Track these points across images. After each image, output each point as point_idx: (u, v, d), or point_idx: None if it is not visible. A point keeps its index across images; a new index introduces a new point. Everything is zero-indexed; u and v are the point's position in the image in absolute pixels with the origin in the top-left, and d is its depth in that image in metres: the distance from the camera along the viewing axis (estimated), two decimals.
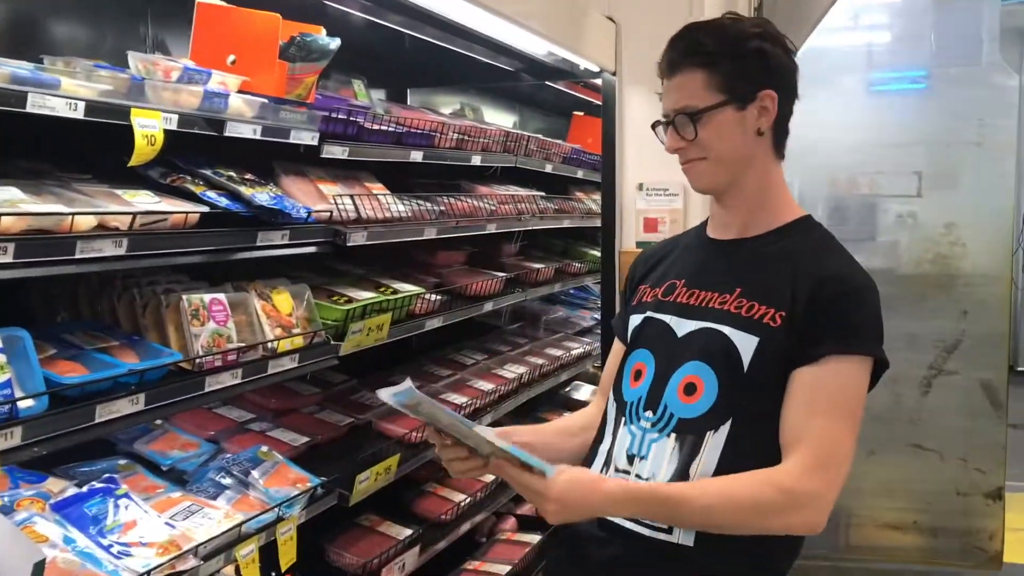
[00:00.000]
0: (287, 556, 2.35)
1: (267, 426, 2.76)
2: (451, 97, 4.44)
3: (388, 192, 2.99)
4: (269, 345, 2.31)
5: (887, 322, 1.65)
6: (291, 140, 2.40)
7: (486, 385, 3.54)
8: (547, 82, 4.24)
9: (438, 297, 3.14)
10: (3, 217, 1.66)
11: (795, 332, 1.59)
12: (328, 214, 2.58)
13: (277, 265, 2.74)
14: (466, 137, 3.33)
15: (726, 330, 1.63)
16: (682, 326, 1.69)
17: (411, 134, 2.99)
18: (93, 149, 2.17)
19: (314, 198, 2.62)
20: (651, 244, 3.53)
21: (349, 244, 2.59)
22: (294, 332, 2.42)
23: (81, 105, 1.81)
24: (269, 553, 2.31)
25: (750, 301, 1.63)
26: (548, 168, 4.13)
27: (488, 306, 3.52)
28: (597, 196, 4.88)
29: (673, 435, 1.63)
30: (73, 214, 1.78)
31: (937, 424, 4.68)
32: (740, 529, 1.57)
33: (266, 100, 2.30)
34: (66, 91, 1.81)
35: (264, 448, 2.51)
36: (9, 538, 1.74)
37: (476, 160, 3.42)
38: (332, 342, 2.55)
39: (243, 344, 2.23)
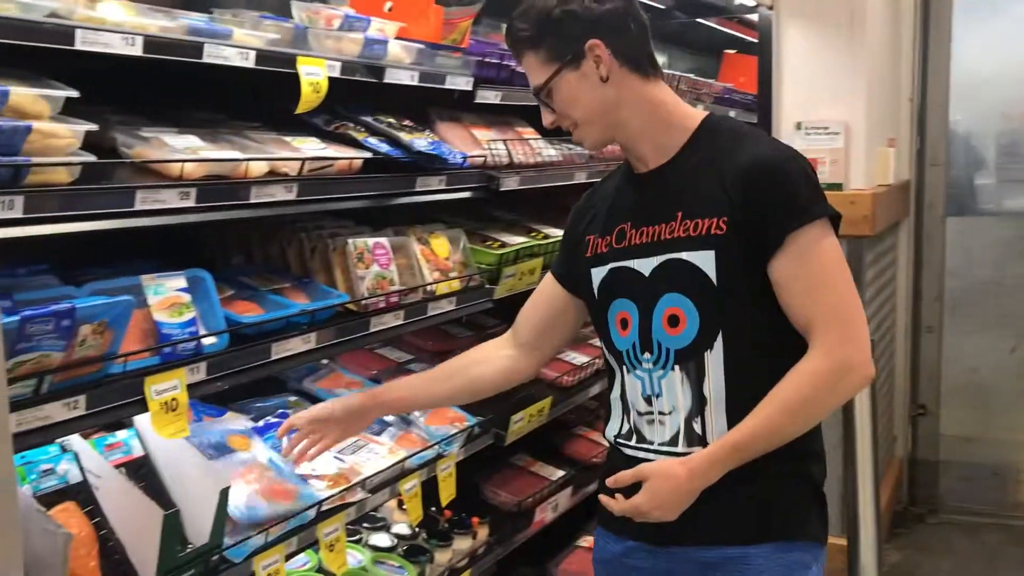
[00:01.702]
0: (447, 491, 2.42)
1: (425, 367, 2.82)
2: None
3: (539, 136, 2.98)
4: (428, 288, 2.36)
5: None
6: (446, 86, 2.42)
7: None
8: (698, 19, 4.11)
9: None
10: (186, 164, 1.75)
11: (744, 230, 1.63)
12: (482, 159, 2.60)
13: (431, 210, 2.79)
14: None
15: (684, 255, 1.67)
16: (645, 265, 1.72)
17: None
18: (260, 99, 2.25)
19: (468, 143, 2.64)
20: None
21: (502, 189, 2.60)
22: (451, 276, 2.47)
23: (252, 54, 1.88)
24: (428, 489, 2.39)
25: (693, 219, 1.67)
26: (699, 108, 4.01)
27: None
28: None
29: (676, 367, 1.69)
30: (248, 160, 1.86)
31: None
32: (816, 421, 1.67)
33: (423, 46, 2.33)
34: (238, 41, 1.88)
35: None
36: (197, 467, 1.87)
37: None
38: (487, 286, 2.59)
39: (404, 287, 2.29)
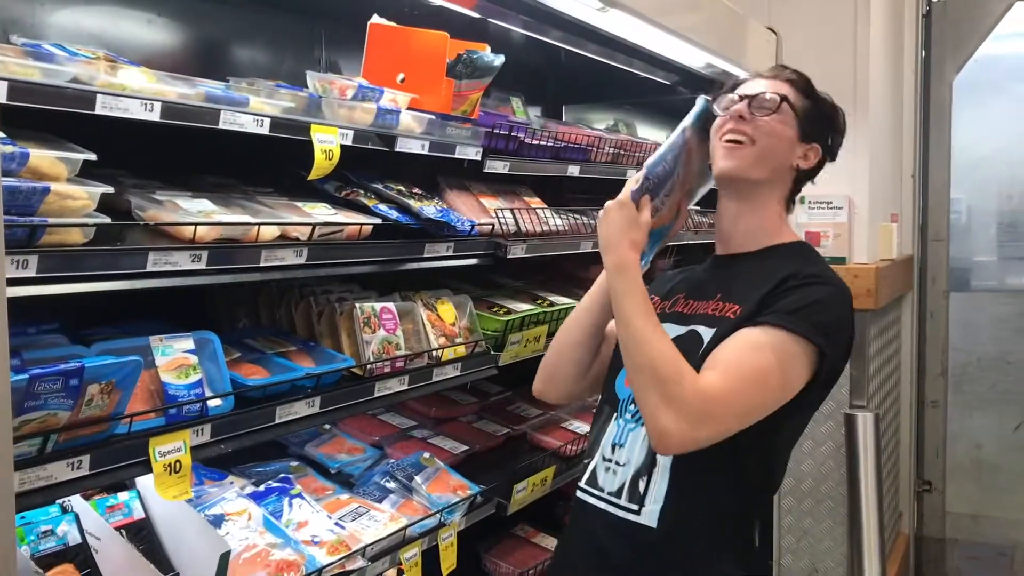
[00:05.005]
0: (448, 561, 2.39)
1: (428, 433, 2.82)
2: (604, 113, 4.44)
3: (546, 206, 3.02)
4: (434, 353, 2.37)
5: None
6: (456, 155, 2.46)
7: None
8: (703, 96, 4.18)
9: None
10: (199, 227, 1.77)
11: (748, 319, 1.67)
12: (490, 227, 2.63)
13: (438, 276, 2.81)
14: (622, 151, 3.33)
15: (700, 329, 1.76)
16: (673, 331, 1.77)
17: (568, 149, 3.01)
18: (272, 165, 2.28)
19: (476, 211, 2.67)
20: None
21: (509, 256, 2.62)
22: (457, 341, 2.47)
23: (267, 121, 1.91)
24: (429, 558, 2.36)
25: (724, 303, 1.76)
26: None
27: None
28: None
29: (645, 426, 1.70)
30: (259, 224, 1.88)
31: None
32: (637, 384, 1.63)
33: (434, 116, 2.37)
34: (253, 108, 1.91)
35: (426, 455, 2.57)
36: (198, 531, 1.85)
37: (632, 174, 3.40)
38: (492, 352, 2.59)
39: (410, 352, 2.29)
